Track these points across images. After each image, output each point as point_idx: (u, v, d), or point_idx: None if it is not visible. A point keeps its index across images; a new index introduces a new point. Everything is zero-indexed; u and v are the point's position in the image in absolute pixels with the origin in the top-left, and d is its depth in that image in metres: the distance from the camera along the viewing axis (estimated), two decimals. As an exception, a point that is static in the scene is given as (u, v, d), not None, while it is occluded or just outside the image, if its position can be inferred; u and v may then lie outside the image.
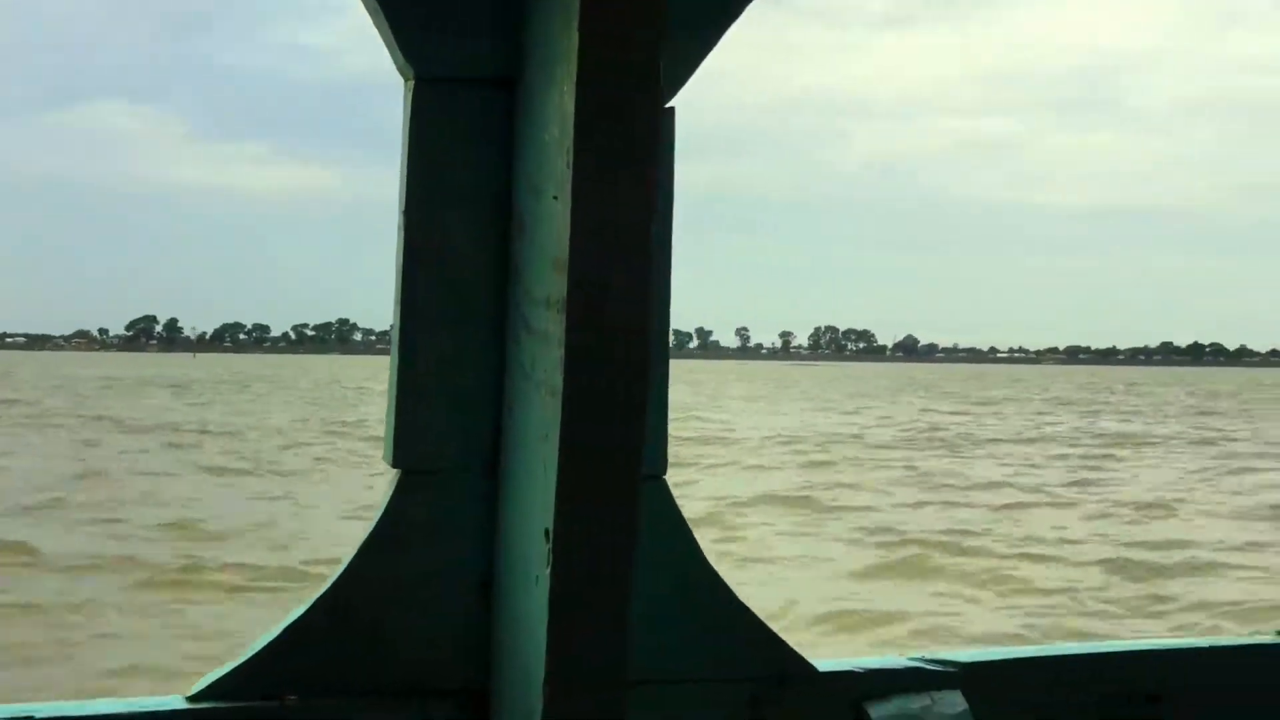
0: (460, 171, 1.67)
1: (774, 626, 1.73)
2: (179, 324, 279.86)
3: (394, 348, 1.69)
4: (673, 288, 1.72)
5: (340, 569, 1.66)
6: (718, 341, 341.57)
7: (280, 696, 1.58)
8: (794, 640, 1.73)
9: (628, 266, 1.47)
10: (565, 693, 1.45)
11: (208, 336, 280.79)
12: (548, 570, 1.44)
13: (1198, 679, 1.86)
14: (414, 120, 1.67)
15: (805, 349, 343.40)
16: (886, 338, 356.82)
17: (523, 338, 1.59)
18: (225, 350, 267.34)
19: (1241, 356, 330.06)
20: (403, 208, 1.68)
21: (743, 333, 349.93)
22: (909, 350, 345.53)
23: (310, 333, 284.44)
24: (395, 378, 1.67)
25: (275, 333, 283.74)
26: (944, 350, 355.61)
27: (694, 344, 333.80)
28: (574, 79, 1.44)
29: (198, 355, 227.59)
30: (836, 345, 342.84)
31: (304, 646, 1.61)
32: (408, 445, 1.66)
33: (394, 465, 1.66)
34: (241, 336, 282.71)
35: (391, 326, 1.71)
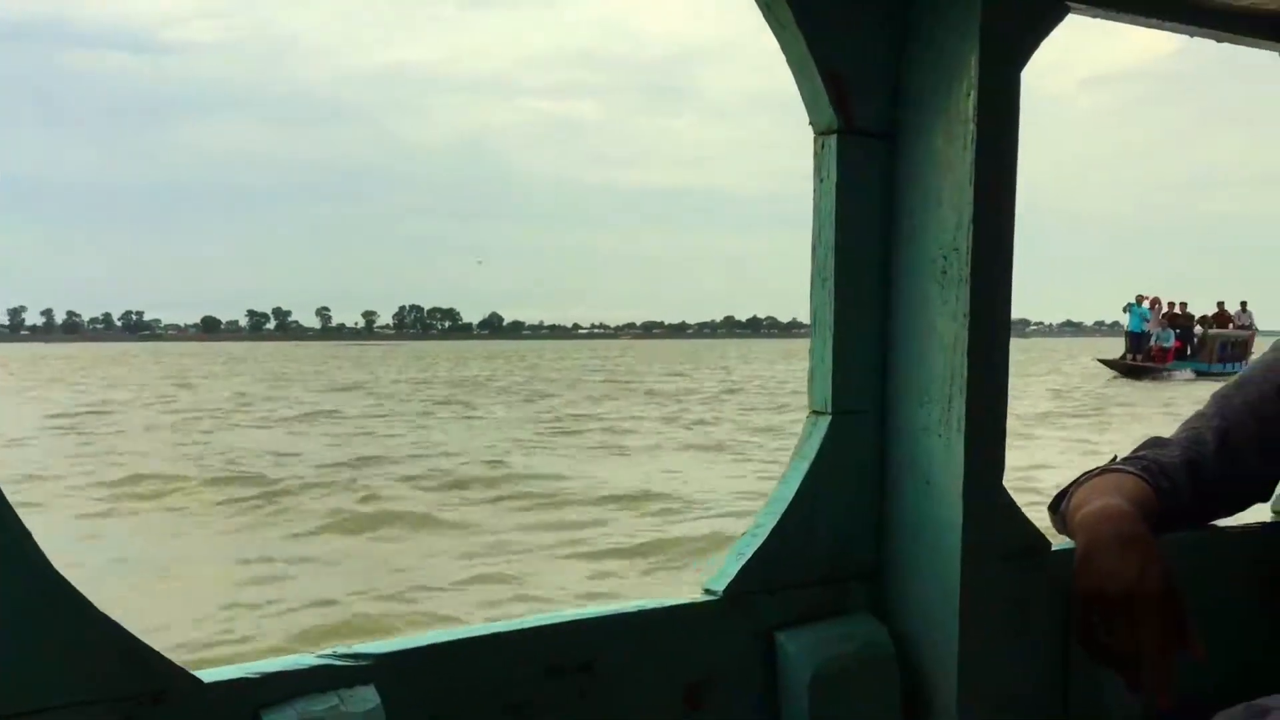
0: None
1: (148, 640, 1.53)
2: None
3: None
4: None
5: None
6: (298, 322, 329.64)
7: None
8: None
9: None
10: None
11: None
12: None
13: (627, 644, 1.80)
14: None
15: (390, 328, 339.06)
16: (473, 315, 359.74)
17: None
18: None
19: (793, 329, 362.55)
20: None
21: (324, 313, 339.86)
22: (495, 327, 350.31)
23: None
24: None
25: None
26: (530, 327, 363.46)
27: (271, 325, 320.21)
28: None
29: None
30: (422, 324, 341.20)
31: None
32: None
33: None
34: None
35: None
